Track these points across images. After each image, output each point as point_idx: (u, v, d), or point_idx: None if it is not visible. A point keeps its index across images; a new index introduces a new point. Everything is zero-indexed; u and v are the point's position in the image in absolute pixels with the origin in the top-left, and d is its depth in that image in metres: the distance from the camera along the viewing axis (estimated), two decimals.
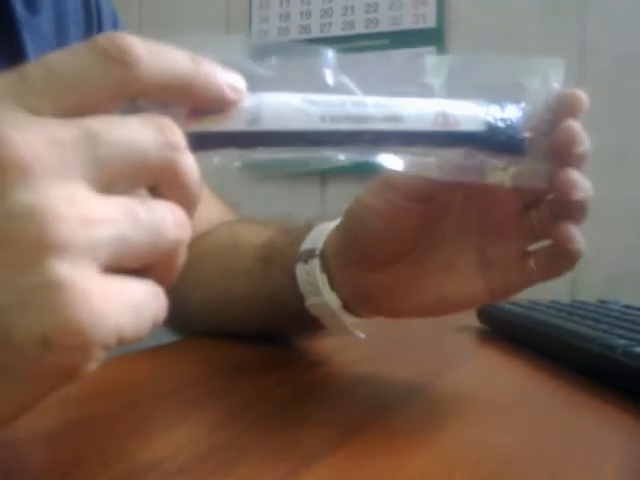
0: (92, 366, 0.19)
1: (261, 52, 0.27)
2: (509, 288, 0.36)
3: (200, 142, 0.24)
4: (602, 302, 0.61)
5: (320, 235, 0.41)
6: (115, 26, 0.59)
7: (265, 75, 0.27)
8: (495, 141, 0.30)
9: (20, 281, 0.18)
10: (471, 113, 0.29)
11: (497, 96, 0.31)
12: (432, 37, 1.54)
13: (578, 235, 0.32)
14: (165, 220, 0.21)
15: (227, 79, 0.24)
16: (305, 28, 1.67)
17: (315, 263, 0.40)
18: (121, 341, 0.20)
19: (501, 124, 0.30)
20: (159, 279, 0.22)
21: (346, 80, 0.29)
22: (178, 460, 0.26)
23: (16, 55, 0.48)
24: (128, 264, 0.20)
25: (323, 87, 0.28)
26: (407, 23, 1.57)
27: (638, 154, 1.31)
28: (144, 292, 0.21)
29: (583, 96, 0.32)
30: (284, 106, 0.27)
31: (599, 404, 0.36)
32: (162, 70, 0.22)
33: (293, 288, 0.42)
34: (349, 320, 0.40)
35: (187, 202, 0.22)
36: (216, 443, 0.28)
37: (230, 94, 0.24)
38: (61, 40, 0.52)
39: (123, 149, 0.20)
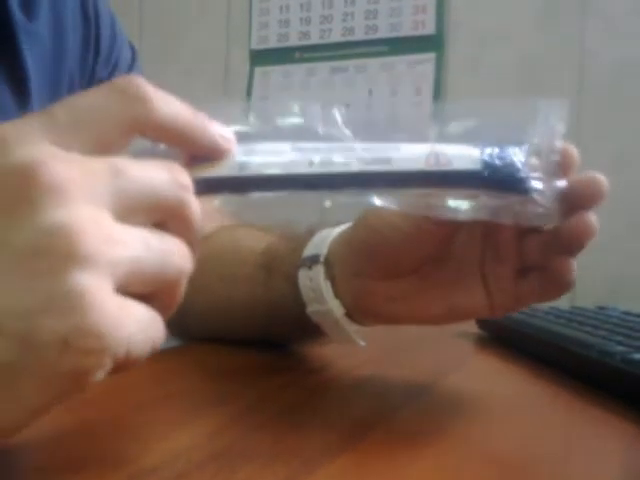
0: (100, 375, 0.21)
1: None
2: (507, 306, 0.37)
3: (196, 188, 0.25)
4: (601, 308, 0.61)
5: (323, 242, 0.41)
6: (113, 31, 0.58)
7: (261, 131, 0.30)
8: (493, 179, 0.29)
9: (46, 287, 0.20)
10: (465, 153, 0.29)
11: (498, 139, 0.30)
12: (431, 44, 1.55)
13: (574, 266, 0.34)
14: (172, 250, 0.24)
15: (219, 130, 0.28)
16: (305, 34, 1.68)
17: (319, 269, 0.40)
18: (128, 355, 0.21)
19: (498, 162, 0.29)
20: (161, 308, 0.24)
21: (338, 132, 0.30)
22: (177, 465, 0.26)
23: (14, 60, 0.48)
24: (136, 288, 0.22)
25: (314, 138, 0.30)
26: (406, 30, 1.58)
27: (637, 158, 1.32)
28: (148, 315, 0.23)
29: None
30: (273, 152, 0.28)
31: (598, 410, 0.36)
32: (169, 113, 0.25)
33: (295, 295, 0.42)
34: (352, 328, 0.40)
35: (190, 239, 0.25)
36: (216, 448, 0.28)
37: (222, 142, 0.28)
38: (59, 45, 0.52)
39: (143, 185, 0.23)
